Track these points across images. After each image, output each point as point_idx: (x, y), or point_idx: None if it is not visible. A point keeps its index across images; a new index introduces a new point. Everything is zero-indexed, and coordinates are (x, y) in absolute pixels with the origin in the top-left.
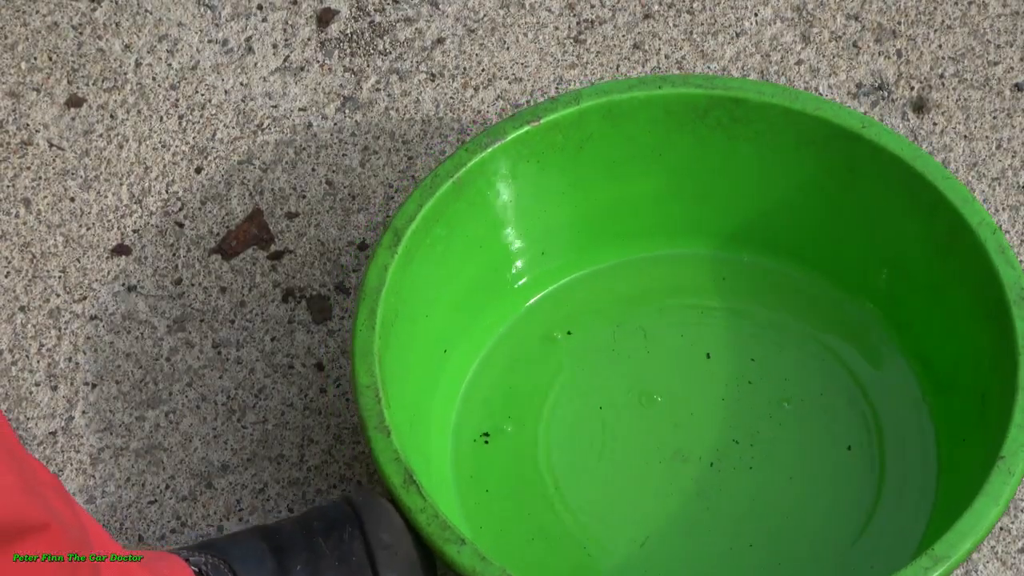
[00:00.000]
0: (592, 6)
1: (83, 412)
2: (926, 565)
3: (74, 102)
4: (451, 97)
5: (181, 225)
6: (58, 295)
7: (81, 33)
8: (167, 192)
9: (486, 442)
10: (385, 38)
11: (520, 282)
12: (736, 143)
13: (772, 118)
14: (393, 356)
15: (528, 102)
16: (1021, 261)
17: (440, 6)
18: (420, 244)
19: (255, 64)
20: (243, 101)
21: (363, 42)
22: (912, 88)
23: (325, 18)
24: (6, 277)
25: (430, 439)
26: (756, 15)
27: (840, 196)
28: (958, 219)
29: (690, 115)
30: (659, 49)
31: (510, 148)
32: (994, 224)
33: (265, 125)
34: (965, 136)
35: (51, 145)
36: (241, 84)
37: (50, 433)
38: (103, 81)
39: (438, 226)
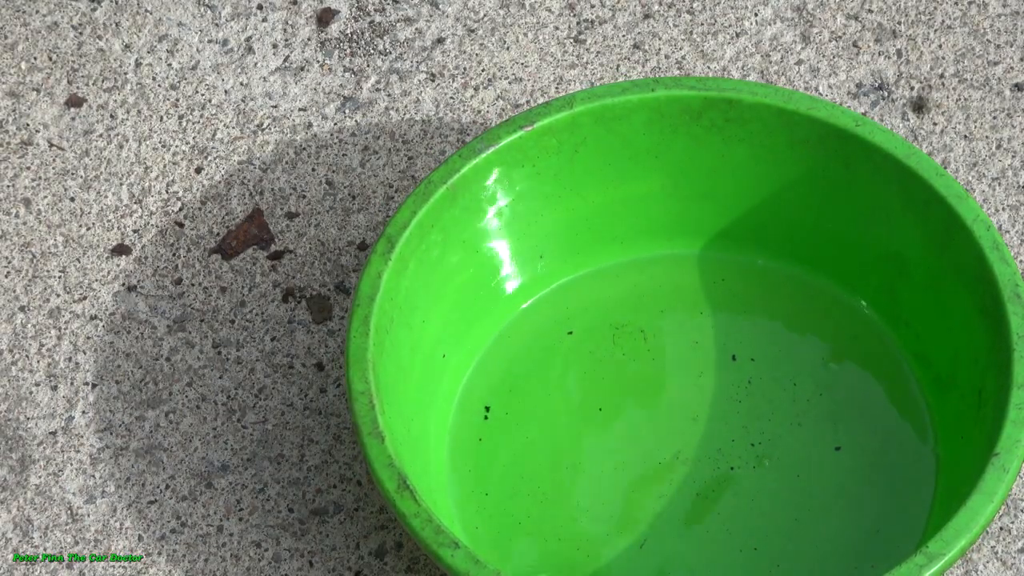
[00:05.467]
0: (592, 6)
1: (83, 412)
2: (921, 563)
3: (74, 102)
4: (451, 97)
5: (181, 225)
6: (58, 295)
7: (81, 33)
8: (167, 192)
9: (484, 445)
10: (385, 38)
11: (517, 286)
12: (731, 144)
13: (766, 118)
14: (389, 362)
15: (528, 102)
16: (1021, 261)
17: (440, 6)
18: (415, 251)
19: (255, 64)
20: (243, 101)
21: (363, 42)
22: (912, 88)
23: (325, 18)
24: (6, 277)
25: (428, 443)
26: (756, 15)
27: (836, 195)
28: (952, 216)
29: (684, 117)
30: (659, 49)
31: (504, 153)
32: (988, 220)
33: (265, 125)
34: (965, 136)
35: (51, 145)
36: (241, 84)
37: (50, 433)
38: (103, 81)
39: (433, 232)
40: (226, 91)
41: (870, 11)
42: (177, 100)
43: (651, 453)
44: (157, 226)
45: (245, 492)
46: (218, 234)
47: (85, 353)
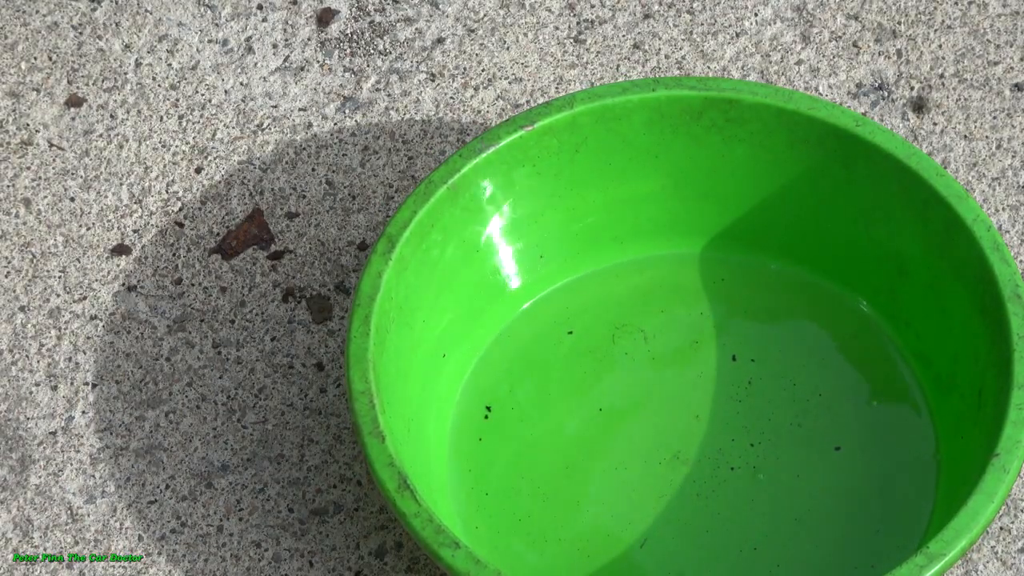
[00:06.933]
0: (592, 6)
1: (83, 412)
2: (921, 563)
3: (74, 102)
4: (451, 97)
5: (181, 225)
6: (58, 295)
7: (81, 33)
8: (167, 192)
9: (485, 445)
10: (385, 38)
11: (518, 286)
12: (731, 144)
13: (766, 118)
14: (389, 362)
15: (528, 102)
16: (1021, 261)
17: (440, 6)
18: (415, 250)
19: (255, 64)
20: (243, 101)
21: (363, 42)
22: (912, 88)
23: (325, 18)
24: (6, 277)
25: (429, 443)
26: (756, 15)
27: (836, 195)
28: (953, 216)
29: (684, 117)
30: (659, 49)
31: (504, 153)
32: (989, 220)
33: (265, 125)
34: (965, 136)
35: (51, 145)
36: (241, 84)
37: (50, 433)
38: (103, 81)
39: (433, 232)
40: (226, 91)
41: (870, 11)
42: (177, 100)
43: (651, 453)
44: (157, 226)
45: (245, 492)
46: (218, 234)
47: (85, 353)
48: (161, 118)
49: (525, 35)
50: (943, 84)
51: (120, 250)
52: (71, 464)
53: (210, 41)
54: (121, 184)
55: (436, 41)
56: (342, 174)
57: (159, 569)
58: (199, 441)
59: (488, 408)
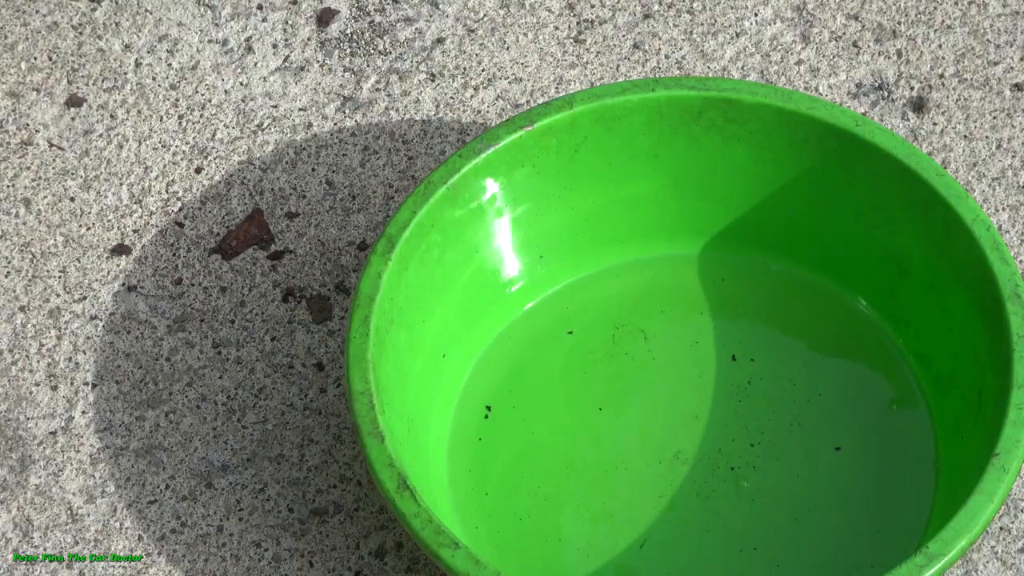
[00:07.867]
0: (592, 6)
1: (83, 412)
2: (920, 563)
3: (74, 102)
4: (451, 97)
5: (181, 225)
6: (58, 295)
7: (81, 33)
8: (167, 192)
9: (484, 445)
10: (385, 38)
11: (518, 286)
12: (731, 144)
13: (766, 118)
14: (389, 362)
15: (528, 102)
16: (1021, 261)
17: (440, 6)
18: (415, 251)
19: (255, 64)
20: (243, 101)
21: (363, 42)
22: (912, 88)
23: (325, 18)
24: (6, 277)
25: (428, 443)
26: (756, 15)
27: (836, 195)
28: (952, 216)
29: (684, 117)
30: (659, 49)
31: (504, 153)
32: (988, 220)
33: (265, 125)
34: (965, 136)
35: (51, 145)
36: (241, 84)
37: (50, 433)
38: (103, 81)
39: (433, 232)
40: (226, 91)
41: (870, 11)
42: (177, 100)
43: (651, 453)
44: (157, 226)
45: (245, 492)
46: (218, 234)
47: (85, 353)
48: (161, 118)
49: (525, 35)
50: (943, 84)
51: (120, 250)
52: (71, 464)
53: (210, 41)
54: (121, 184)
55: (436, 41)
56: (342, 174)
57: (159, 569)
58: (199, 441)
59: (488, 408)
